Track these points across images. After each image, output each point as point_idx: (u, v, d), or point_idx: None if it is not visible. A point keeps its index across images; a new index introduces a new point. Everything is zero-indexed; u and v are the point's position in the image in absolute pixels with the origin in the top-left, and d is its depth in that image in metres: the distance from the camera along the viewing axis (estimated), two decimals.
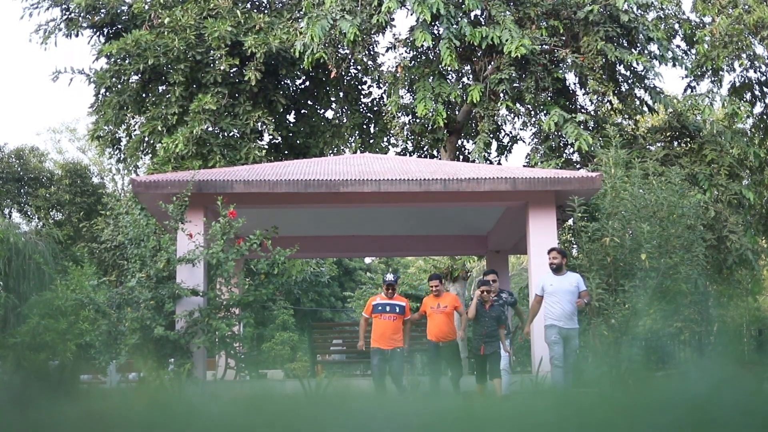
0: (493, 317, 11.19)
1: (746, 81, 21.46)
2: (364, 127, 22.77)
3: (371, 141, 22.55)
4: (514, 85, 19.39)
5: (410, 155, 21.44)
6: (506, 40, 18.24)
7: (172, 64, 19.72)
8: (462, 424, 1.81)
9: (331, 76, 20.44)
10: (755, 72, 21.29)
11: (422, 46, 19.49)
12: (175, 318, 11.99)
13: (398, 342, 11.60)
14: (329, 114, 23.16)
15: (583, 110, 20.51)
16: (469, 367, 16.98)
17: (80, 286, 12.44)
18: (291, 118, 22.84)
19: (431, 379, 11.67)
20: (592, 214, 13.65)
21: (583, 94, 20.92)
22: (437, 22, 19.33)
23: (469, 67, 20.97)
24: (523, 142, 22.58)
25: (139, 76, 20.58)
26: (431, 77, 19.61)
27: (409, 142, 21.55)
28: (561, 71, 19.84)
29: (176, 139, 19.00)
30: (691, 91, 21.22)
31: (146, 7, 20.82)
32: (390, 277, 11.98)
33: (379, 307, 11.71)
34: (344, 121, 22.57)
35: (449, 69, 19.96)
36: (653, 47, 20.15)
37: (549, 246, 12.78)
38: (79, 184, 33.92)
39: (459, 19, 19.04)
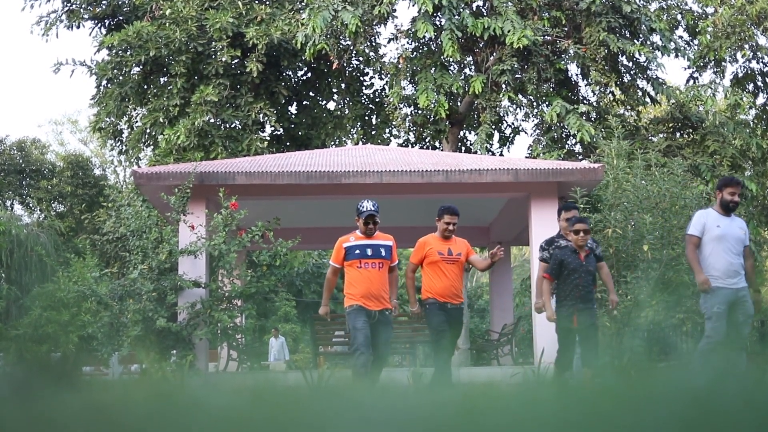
0: (590, 272, 7.95)
1: (749, 72, 21.42)
2: (366, 118, 22.77)
3: (373, 132, 22.54)
4: (516, 76, 19.37)
5: (412, 147, 21.43)
6: (508, 31, 18.22)
7: (173, 55, 19.71)
8: (465, 415, 1.81)
9: (333, 68, 20.44)
10: (758, 63, 21.25)
11: (424, 37, 19.47)
12: (177, 310, 12.00)
13: (387, 302, 8.09)
14: (331, 105, 23.18)
15: (585, 101, 20.50)
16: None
17: (82, 278, 12.46)
18: (293, 109, 22.85)
19: (436, 358, 8.28)
20: (595, 206, 13.64)
21: (585, 85, 20.91)
22: (439, 13, 19.30)
23: (471, 58, 20.95)
24: (525, 133, 22.61)
25: (141, 67, 20.58)
26: (433, 68, 19.58)
27: (410, 133, 21.54)
28: (563, 62, 19.83)
29: (178, 131, 19.01)
30: (694, 82, 21.19)
31: None
32: (368, 205, 8.06)
33: (356, 251, 8.03)
34: (346, 112, 22.57)
35: (451, 60, 19.95)
36: (656, 38, 20.14)
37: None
38: (80, 176, 33.89)
39: (461, 9, 19.02)
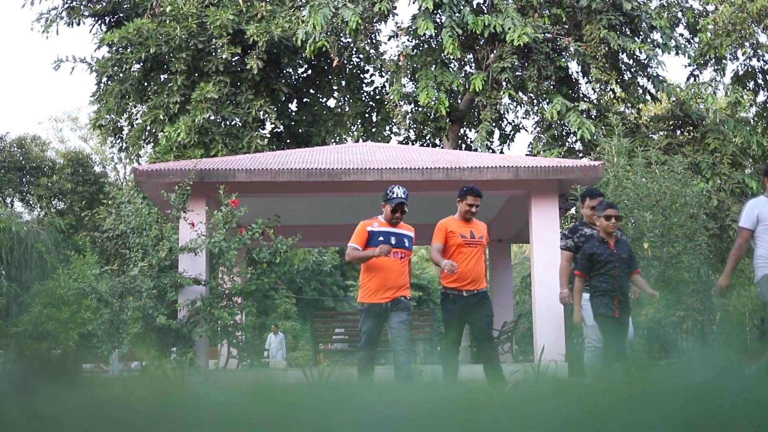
0: (625, 260, 7.35)
1: (749, 70, 21.42)
2: (366, 115, 22.77)
3: (373, 130, 22.55)
4: (517, 73, 19.37)
5: (412, 144, 21.43)
6: (509, 29, 18.21)
7: (173, 52, 19.72)
8: (465, 413, 1.81)
9: (333, 65, 20.43)
10: (758, 60, 21.26)
11: (424, 34, 19.46)
12: (178, 307, 12.00)
13: (403, 289, 7.54)
14: (331, 103, 23.18)
15: (585, 99, 20.49)
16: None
17: (82, 276, 12.47)
18: (293, 106, 22.85)
19: (444, 351, 7.95)
20: None
21: (586, 83, 20.91)
22: (439, 11, 19.30)
23: (471, 56, 20.95)
24: (526, 131, 22.63)
25: (141, 64, 20.59)
26: (433, 66, 19.58)
27: (411, 130, 21.54)
28: (563, 60, 19.82)
29: (178, 128, 19.02)
30: (694, 80, 21.19)
31: None
32: (399, 192, 7.60)
33: (380, 238, 7.45)
34: (346, 109, 22.57)
35: (451, 57, 19.93)
36: (656, 35, 20.14)
37: (551, 234, 12.76)
38: (81, 173, 33.92)
39: (461, 7, 19.02)
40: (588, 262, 7.30)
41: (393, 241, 7.46)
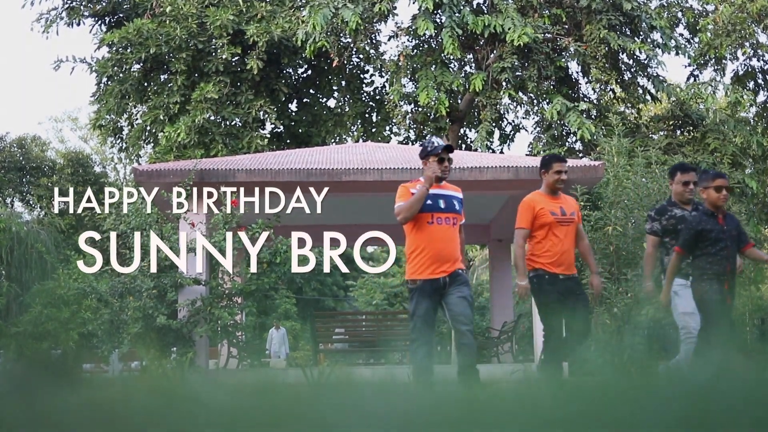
0: (734, 237, 6.41)
1: (749, 70, 21.42)
2: (366, 116, 22.77)
3: (373, 130, 22.55)
4: (517, 73, 19.37)
5: (412, 144, 21.42)
6: (509, 29, 18.22)
7: (173, 52, 19.73)
8: (465, 412, 1.81)
9: (333, 65, 20.43)
10: (758, 60, 21.26)
11: (424, 34, 19.47)
12: (178, 307, 11.99)
13: (459, 261, 6.51)
14: (331, 103, 23.19)
15: (585, 99, 20.49)
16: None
17: (82, 276, 12.45)
18: (293, 107, 22.86)
19: (547, 342, 6.80)
20: (595, 203, 13.62)
21: (586, 83, 20.91)
22: (439, 11, 19.30)
23: (471, 56, 20.95)
24: (526, 131, 22.66)
25: (141, 65, 20.60)
26: (433, 66, 19.58)
27: (411, 131, 21.53)
28: (564, 60, 19.83)
29: (178, 128, 19.02)
30: (694, 80, 21.18)
31: None
32: (440, 141, 6.59)
33: (427, 201, 6.39)
34: (346, 110, 22.57)
35: (451, 58, 19.94)
36: (656, 36, 20.15)
37: None
38: (81, 173, 33.90)
39: (461, 7, 19.03)
40: (694, 239, 6.33)
41: (442, 204, 6.46)
